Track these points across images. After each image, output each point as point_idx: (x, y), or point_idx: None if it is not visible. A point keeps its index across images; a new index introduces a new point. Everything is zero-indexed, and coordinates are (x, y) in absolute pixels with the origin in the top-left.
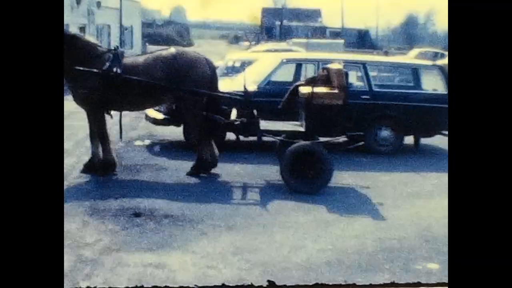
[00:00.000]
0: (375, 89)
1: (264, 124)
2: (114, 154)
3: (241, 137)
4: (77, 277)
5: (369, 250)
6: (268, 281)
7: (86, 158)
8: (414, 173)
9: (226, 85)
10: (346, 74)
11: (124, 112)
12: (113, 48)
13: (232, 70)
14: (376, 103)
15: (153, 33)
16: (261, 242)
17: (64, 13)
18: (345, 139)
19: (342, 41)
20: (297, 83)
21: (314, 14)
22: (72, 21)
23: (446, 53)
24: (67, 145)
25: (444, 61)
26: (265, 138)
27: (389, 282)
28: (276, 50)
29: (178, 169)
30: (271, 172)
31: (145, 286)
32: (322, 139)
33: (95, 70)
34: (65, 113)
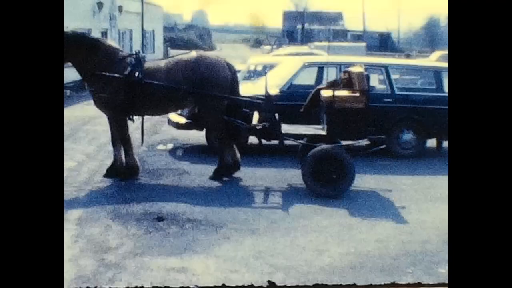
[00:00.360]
0: (397, 92)
1: (286, 128)
2: (137, 158)
3: (263, 141)
4: (100, 281)
5: (392, 254)
6: (268, 281)
7: (108, 162)
8: (436, 176)
9: (248, 89)
10: (368, 77)
11: (146, 117)
12: (134, 53)
13: (254, 74)
14: (398, 106)
15: (175, 37)
16: (284, 246)
17: (86, 17)
18: (367, 142)
19: (363, 44)
20: (319, 87)
21: (336, 17)
22: (94, 25)
23: None
24: (89, 149)
25: None
26: (287, 142)
27: (389, 282)
28: (297, 54)
29: (201, 173)
30: (293, 175)
31: (145, 286)
32: (344, 142)
33: (116, 75)
34: (87, 118)
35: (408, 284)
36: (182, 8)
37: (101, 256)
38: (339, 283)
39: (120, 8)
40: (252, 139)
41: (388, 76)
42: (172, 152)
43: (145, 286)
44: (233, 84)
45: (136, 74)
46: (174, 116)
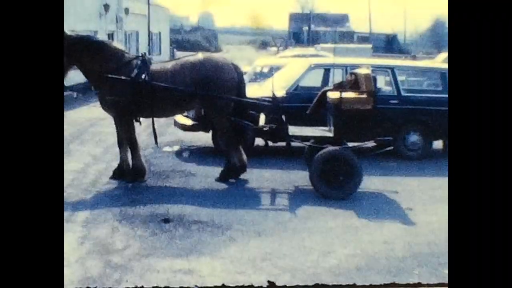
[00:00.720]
0: (404, 93)
1: (293, 130)
2: (143, 160)
3: (270, 143)
4: (106, 283)
5: (398, 255)
6: (268, 281)
7: (115, 164)
8: (443, 178)
9: (254, 90)
10: (375, 79)
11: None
12: (141, 55)
13: (260, 76)
14: (404, 108)
15: (181, 39)
16: (290, 248)
17: (92, 19)
18: (374, 144)
19: (370, 46)
20: (325, 88)
21: (342, 19)
22: (100, 27)
23: None
24: (96, 151)
25: None
26: (293, 144)
27: (389, 282)
28: (304, 56)
29: (207, 175)
30: (300, 177)
31: (145, 286)
32: (350, 144)
33: (123, 77)
34: (93, 120)
35: (408, 284)
36: (189, 10)
37: (107, 257)
38: (339, 283)
39: (126, 10)
40: (258, 141)
41: (394, 78)
42: (179, 154)
43: (145, 286)
44: (240, 85)
45: (143, 76)
46: (181, 118)
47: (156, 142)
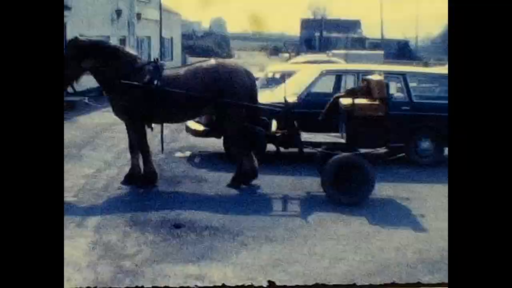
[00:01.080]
0: (415, 100)
1: (305, 136)
2: (155, 165)
3: (281, 149)
4: None
5: (410, 262)
6: (268, 281)
7: (127, 169)
8: None
9: (266, 96)
10: (387, 85)
11: (164, 124)
12: (153, 60)
13: (272, 82)
14: (416, 114)
15: (193, 44)
16: (301, 254)
17: (105, 24)
18: (386, 150)
19: (381, 52)
20: (337, 95)
21: (354, 25)
22: (112, 33)
23: None
24: (108, 156)
25: None
26: (305, 150)
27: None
28: (315, 62)
29: (219, 181)
30: (311, 183)
31: (145, 286)
32: (362, 150)
33: (135, 83)
34: (105, 125)
35: (408, 284)
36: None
37: (119, 263)
38: (339, 283)
39: (138, 16)
40: (270, 147)
41: (406, 84)
42: (190, 159)
43: (145, 286)
44: (252, 91)
45: (155, 81)
46: (192, 124)
47: (162, 149)
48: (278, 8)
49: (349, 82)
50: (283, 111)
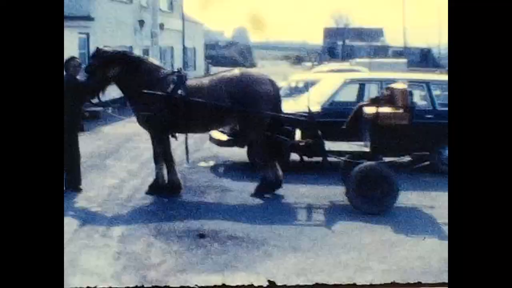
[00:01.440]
0: (439, 108)
1: (329, 145)
2: (179, 175)
3: (305, 158)
4: None
5: (434, 271)
6: (268, 281)
7: (151, 179)
8: None
9: (289, 105)
10: (411, 94)
11: (188, 134)
12: (177, 70)
13: (295, 91)
14: (440, 122)
15: (216, 54)
16: (326, 263)
17: (128, 35)
18: (410, 159)
19: (405, 60)
20: (361, 103)
21: (377, 33)
22: (135, 43)
23: None
24: (132, 166)
25: None
26: (329, 158)
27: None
28: (339, 70)
29: (243, 190)
30: (335, 192)
31: (145, 286)
32: (386, 159)
33: (159, 93)
34: (129, 135)
35: (408, 284)
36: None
37: (143, 272)
38: (339, 283)
39: (161, 26)
40: (294, 156)
41: (430, 92)
42: (214, 169)
43: (145, 286)
44: (276, 101)
45: (179, 91)
46: (216, 133)
47: (187, 159)
48: (300, 17)
49: (372, 91)
50: (307, 120)
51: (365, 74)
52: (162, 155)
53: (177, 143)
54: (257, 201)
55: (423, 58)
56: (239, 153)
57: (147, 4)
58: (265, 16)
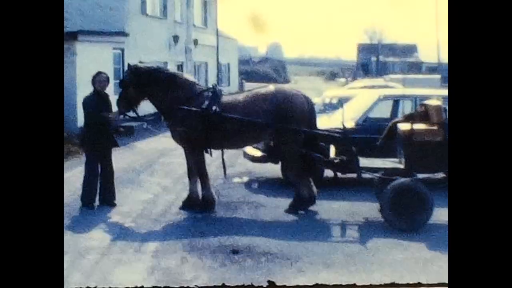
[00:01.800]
0: None
1: (363, 161)
2: (213, 191)
3: (339, 174)
4: None
5: None
6: (268, 281)
7: (184, 195)
8: None
9: (323, 122)
10: (445, 110)
11: None
12: (212, 86)
13: (330, 107)
14: None
15: (250, 70)
16: (360, 280)
17: (162, 50)
18: (444, 175)
19: (438, 76)
20: (395, 120)
21: (410, 49)
22: (170, 59)
23: None
24: (166, 181)
25: None
26: (363, 175)
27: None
28: (373, 86)
29: (276, 206)
30: (369, 209)
31: (145, 286)
32: (421, 175)
33: (194, 109)
34: (163, 150)
35: (408, 284)
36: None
37: None
38: (339, 283)
39: (195, 42)
40: (328, 172)
41: None
42: (248, 185)
43: (145, 286)
44: (311, 117)
45: (214, 107)
46: (250, 149)
47: (225, 174)
48: (334, 32)
49: (406, 107)
50: (342, 136)
51: (399, 90)
52: (196, 170)
53: (211, 159)
54: (291, 217)
55: None
56: (273, 169)
57: (181, 20)
58: (299, 32)
